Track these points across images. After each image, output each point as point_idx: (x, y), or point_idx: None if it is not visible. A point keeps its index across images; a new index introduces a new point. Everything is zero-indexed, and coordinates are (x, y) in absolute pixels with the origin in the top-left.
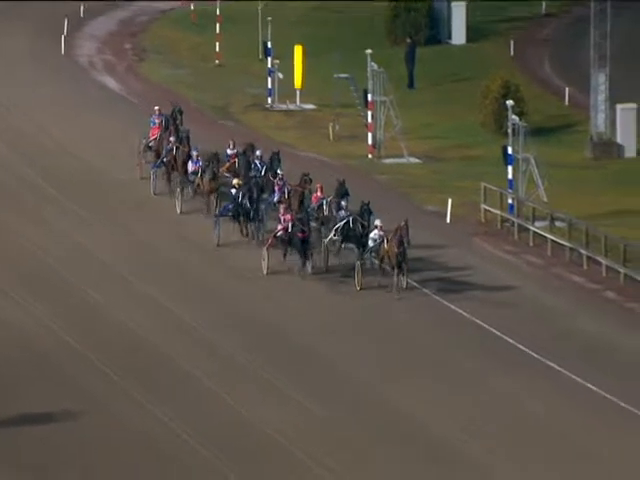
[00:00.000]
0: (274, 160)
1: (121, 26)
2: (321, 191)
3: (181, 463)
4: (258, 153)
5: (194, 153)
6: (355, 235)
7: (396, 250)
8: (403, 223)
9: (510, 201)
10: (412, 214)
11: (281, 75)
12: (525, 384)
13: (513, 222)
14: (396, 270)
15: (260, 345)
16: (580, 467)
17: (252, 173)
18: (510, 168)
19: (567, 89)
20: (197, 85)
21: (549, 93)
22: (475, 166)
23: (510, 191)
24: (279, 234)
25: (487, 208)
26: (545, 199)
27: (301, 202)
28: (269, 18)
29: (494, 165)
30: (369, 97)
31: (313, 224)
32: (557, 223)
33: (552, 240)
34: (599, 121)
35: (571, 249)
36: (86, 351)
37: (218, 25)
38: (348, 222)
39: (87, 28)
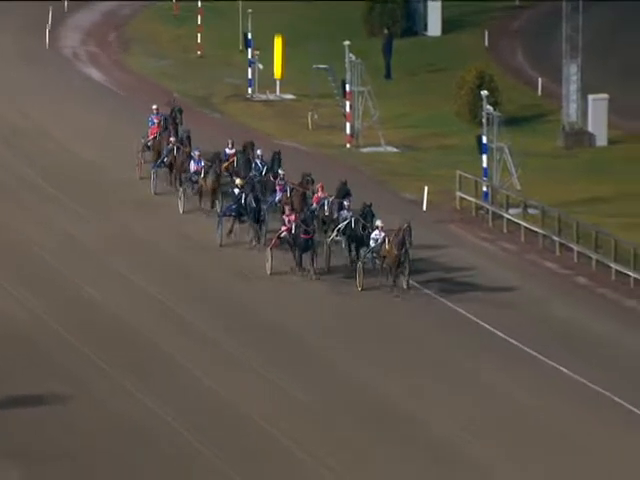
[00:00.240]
0: (275, 160)
1: (104, 18)
2: (322, 191)
3: (170, 451)
4: (259, 152)
5: (196, 153)
6: (357, 236)
7: (396, 252)
8: (406, 225)
9: (485, 189)
10: (389, 202)
11: (261, 66)
12: (494, 364)
13: (488, 209)
14: (396, 271)
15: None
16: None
17: (252, 172)
18: (485, 157)
19: (540, 80)
20: (179, 76)
21: (522, 84)
22: (450, 155)
23: (485, 179)
24: (283, 235)
25: (462, 196)
26: (519, 187)
27: (303, 202)
28: (249, 10)
29: (469, 154)
30: (347, 87)
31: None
32: (530, 210)
33: (525, 227)
34: (571, 111)
35: (544, 236)
36: (78, 341)
37: (199, 17)
38: (350, 223)
39: (71, 20)
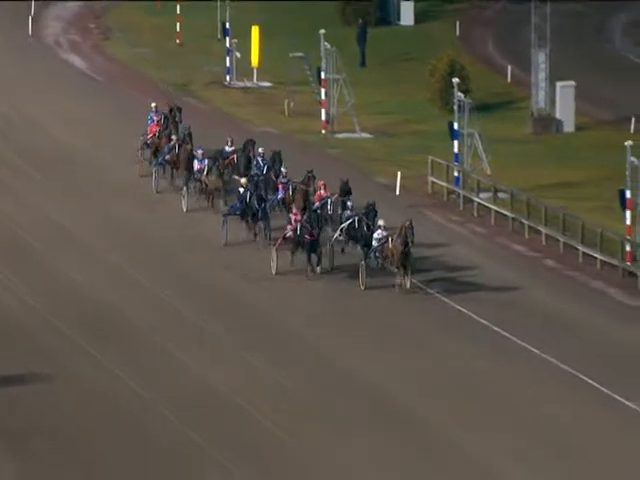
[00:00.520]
0: (276, 159)
1: (86, 7)
2: (324, 189)
3: (148, 427)
4: (260, 150)
5: (199, 152)
6: (360, 235)
7: (400, 250)
8: (408, 223)
9: (456, 174)
10: (363, 186)
11: (239, 54)
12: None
13: (459, 194)
14: (400, 270)
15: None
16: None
17: (254, 171)
18: (456, 142)
19: (509, 68)
20: (159, 64)
21: (492, 71)
22: (423, 140)
23: (456, 164)
24: (288, 235)
25: (434, 180)
26: (489, 172)
27: (306, 201)
28: (227, 0)
29: (441, 140)
30: (322, 75)
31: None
32: (500, 194)
33: (495, 211)
34: (539, 98)
35: (513, 219)
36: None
37: (178, 6)
38: (353, 222)
39: (53, 9)
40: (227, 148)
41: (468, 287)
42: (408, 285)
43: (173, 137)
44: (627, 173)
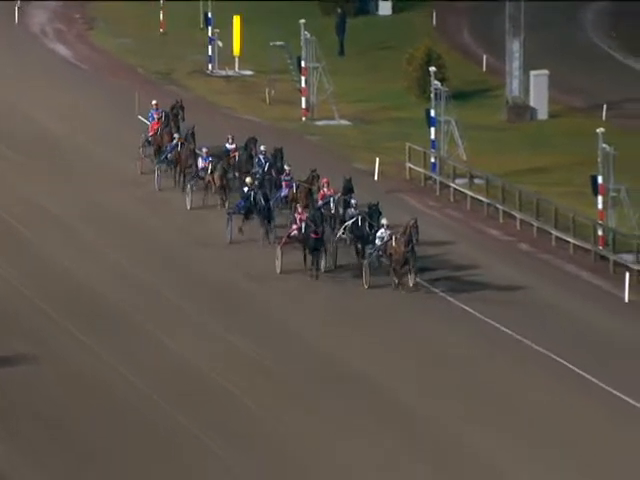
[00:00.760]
0: (277, 156)
1: None
2: (328, 187)
3: (134, 410)
4: (262, 148)
5: (204, 150)
6: (363, 234)
7: (403, 249)
8: (412, 222)
9: (433, 160)
10: (342, 172)
11: (221, 43)
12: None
13: (435, 179)
14: (403, 269)
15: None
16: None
17: (255, 168)
18: (433, 130)
19: (485, 57)
20: (142, 52)
21: (468, 60)
22: (401, 128)
23: (433, 151)
24: (293, 233)
25: (412, 167)
26: (465, 158)
27: (309, 198)
28: None
29: (418, 127)
30: (302, 64)
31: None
32: (476, 180)
33: (471, 196)
34: (514, 86)
35: (488, 204)
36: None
37: None
38: (357, 221)
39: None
40: (228, 145)
41: (443, 271)
42: (411, 284)
43: (175, 135)
44: (599, 159)
